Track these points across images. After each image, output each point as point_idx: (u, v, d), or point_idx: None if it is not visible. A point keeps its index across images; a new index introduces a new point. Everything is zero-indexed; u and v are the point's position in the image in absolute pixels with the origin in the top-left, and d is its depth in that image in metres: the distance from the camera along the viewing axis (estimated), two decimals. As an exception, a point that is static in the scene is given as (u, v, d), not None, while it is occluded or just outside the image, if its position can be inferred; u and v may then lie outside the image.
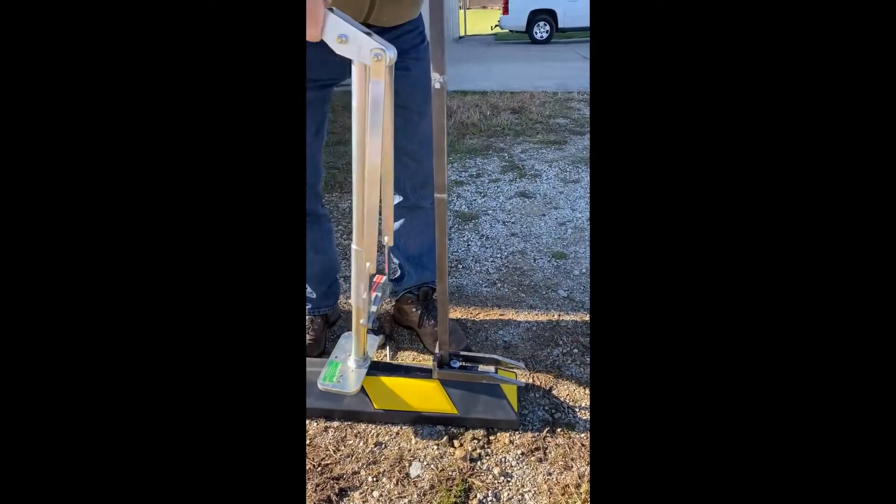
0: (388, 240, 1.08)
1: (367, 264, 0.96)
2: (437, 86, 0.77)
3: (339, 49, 0.79)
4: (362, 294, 0.99)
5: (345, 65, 0.94)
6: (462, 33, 15.60)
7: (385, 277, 1.17)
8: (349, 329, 1.11)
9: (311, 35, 0.79)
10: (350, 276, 1.01)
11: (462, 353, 1.14)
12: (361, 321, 1.03)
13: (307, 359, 1.25)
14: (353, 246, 0.96)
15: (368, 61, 0.78)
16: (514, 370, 1.14)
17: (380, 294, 1.03)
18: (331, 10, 0.80)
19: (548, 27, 10.90)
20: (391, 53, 0.80)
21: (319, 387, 1.07)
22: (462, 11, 16.79)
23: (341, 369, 1.10)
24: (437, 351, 1.09)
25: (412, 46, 1.12)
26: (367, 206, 0.90)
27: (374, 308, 1.02)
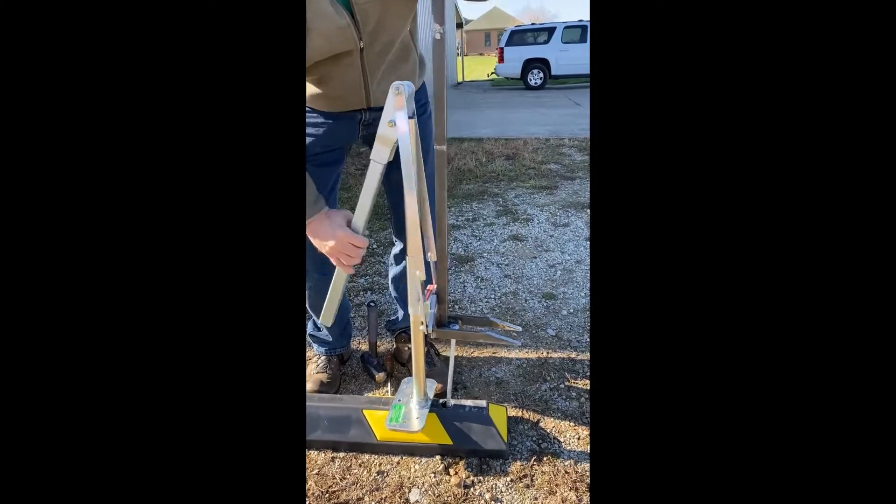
0: (431, 255, 1.15)
1: (417, 272, 1.05)
2: (438, 37, 0.78)
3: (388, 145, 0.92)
4: (418, 302, 1.07)
5: (352, 130, 1.11)
6: (460, 79, 16.21)
7: (435, 287, 1.20)
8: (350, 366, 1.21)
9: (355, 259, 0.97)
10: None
11: (458, 316, 1.20)
12: (420, 326, 1.11)
13: (318, 394, 1.37)
14: (408, 257, 1.05)
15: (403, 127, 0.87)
16: (511, 331, 1.20)
17: (434, 300, 1.07)
18: (347, 223, 0.97)
19: (541, 74, 11.39)
20: (408, 89, 0.86)
21: (388, 427, 1.19)
22: (460, 58, 17.49)
23: (405, 411, 1.22)
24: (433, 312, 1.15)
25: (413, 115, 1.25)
26: (410, 222, 1.00)
27: (432, 311, 1.08)
